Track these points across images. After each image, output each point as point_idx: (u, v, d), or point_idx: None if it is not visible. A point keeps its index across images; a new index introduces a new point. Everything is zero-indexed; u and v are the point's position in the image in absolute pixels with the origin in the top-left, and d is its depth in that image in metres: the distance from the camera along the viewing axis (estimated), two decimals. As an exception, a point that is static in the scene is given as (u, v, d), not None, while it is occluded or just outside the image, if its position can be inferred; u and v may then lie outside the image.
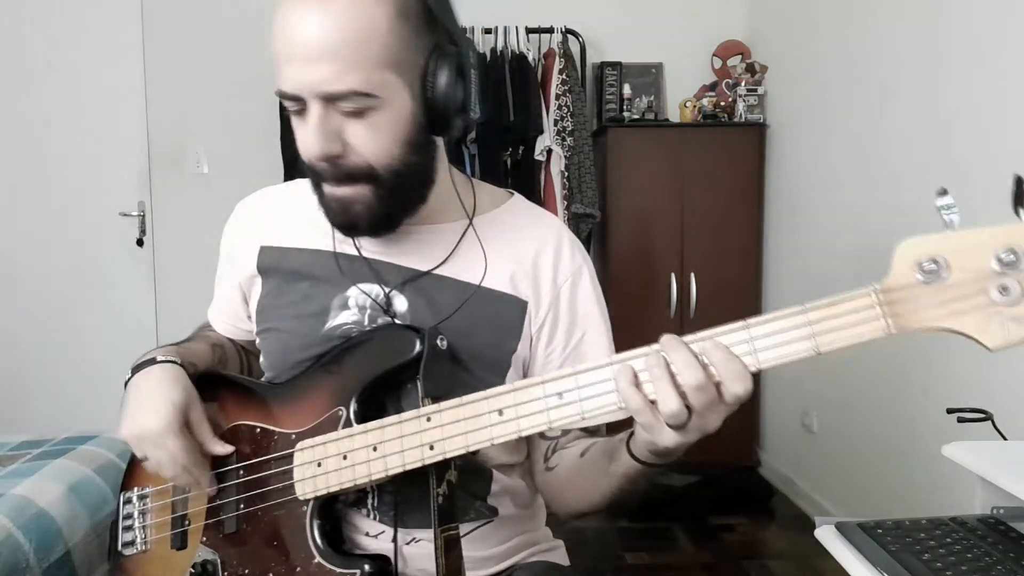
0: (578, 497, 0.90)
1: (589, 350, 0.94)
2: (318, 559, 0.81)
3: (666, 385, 0.65)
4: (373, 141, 0.79)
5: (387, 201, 0.83)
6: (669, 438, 0.68)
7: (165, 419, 0.83)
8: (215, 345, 1.01)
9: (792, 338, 0.64)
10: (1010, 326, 0.59)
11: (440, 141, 0.89)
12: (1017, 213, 0.58)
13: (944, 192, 0.61)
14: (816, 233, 2.78)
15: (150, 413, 0.84)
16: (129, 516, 0.95)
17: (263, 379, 0.98)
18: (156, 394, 0.85)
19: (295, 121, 0.82)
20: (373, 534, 0.87)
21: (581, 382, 0.70)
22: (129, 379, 0.89)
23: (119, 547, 0.95)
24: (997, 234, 0.59)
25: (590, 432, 0.93)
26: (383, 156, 0.80)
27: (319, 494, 0.81)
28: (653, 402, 0.67)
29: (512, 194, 1.00)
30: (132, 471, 0.98)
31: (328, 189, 0.82)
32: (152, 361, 0.89)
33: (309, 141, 0.79)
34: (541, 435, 0.92)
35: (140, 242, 3.30)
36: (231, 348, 1.05)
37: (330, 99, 0.77)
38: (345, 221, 0.84)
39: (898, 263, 0.61)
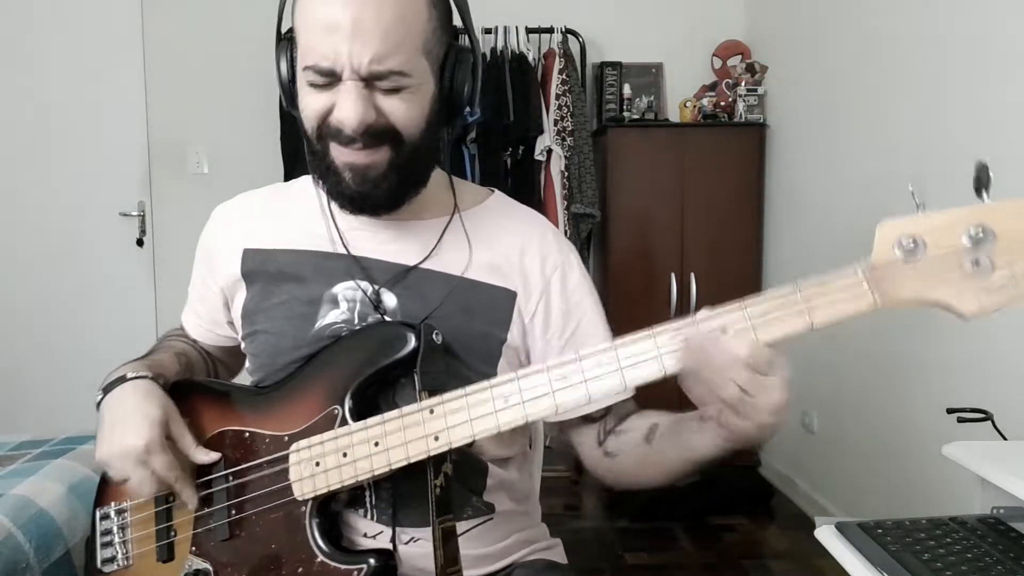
0: (644, 478, 0.91)
1: (588, 336, 0.94)
2: (320, 558, 0.81)
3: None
4: (406, 113, 0.82)
5: (401, 173, 0.84)
6: (756, 419, 0.69)
7: (146, 436, 0.82)
8: (179, 354, 1.00)
9: (787, 315, 0.68)
10: (983, 296, 0.64)
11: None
12: (979, 195, 0.64)
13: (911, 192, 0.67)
14: (816, 233, 2.78)
15: (129, 432, 0.83)
16: (108, 532, 0.93)
17: (250, 382, 0.97)
18: (133, 412, 0.84)
19: (314, 92, 0.81)
20: (371, 535, 0.87)
21: (585, 366, 0.72)
22: (101, 400, 0.87)
23: (98, 564, 0.93)
24: (965, 214, 0.64)
25: (629, 407, 0.93)
26: (411, 127, 0.83)
27: (319, 493, 0.81)
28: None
29: (493, 191, 1.02)
30: (105, 486, 0.96)
31: (346, 156, 0.82)
32: (122, 379, 0.87)
33: (347, 111, 0.79)
34: (585, 419, 0.93)
35: (140, 242, 3.30)
36: (196, 356, 1.04)
37: (371, 76, 0.78)
38: (358, 189, 0.84)
39: (879, 242, 0.66)
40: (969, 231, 0.63)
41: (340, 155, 0.83)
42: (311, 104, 0.82)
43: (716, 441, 0.75)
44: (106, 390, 0.88)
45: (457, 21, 0.89)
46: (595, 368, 0.72)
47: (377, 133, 0.81)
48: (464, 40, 0.89)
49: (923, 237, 0.65)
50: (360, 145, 0.81)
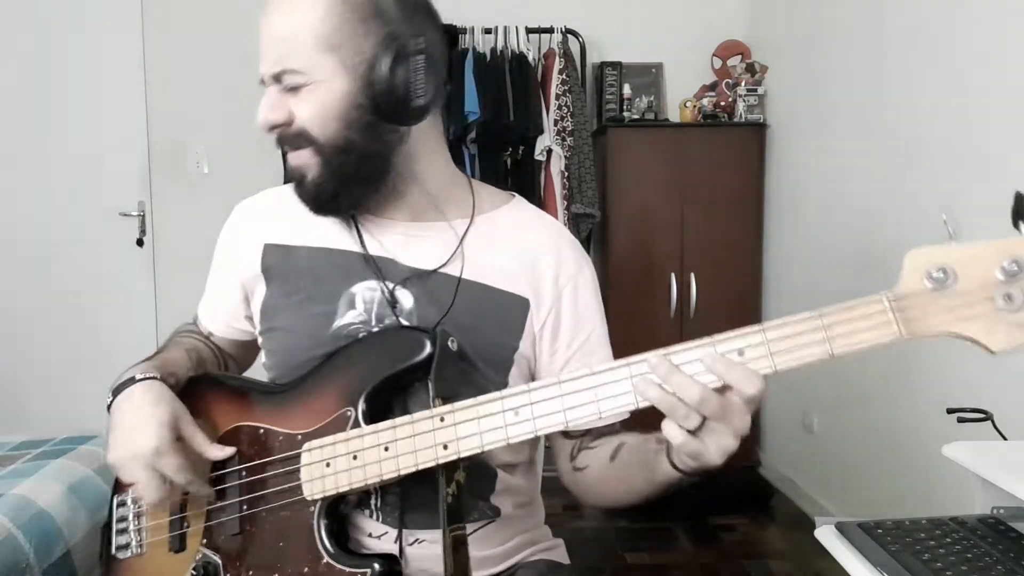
0: (610, 496, 0.92)
1: (596, 350, 0.94)
2: (327, 559, 0.81)
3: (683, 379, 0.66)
4: (307, 112, 0.85)
5: (335, 173, 0.87)
6: (715, 449, 0.69)
7: (156, 439, 0.82)
8: (189, 351, 1.00)
9: (807, 342, 0.66)
10: (1014, 331, 0.63)
11: (429, 136, 0.91)
12: (1017, 227, 0.62)
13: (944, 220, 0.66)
14: (816, 233, 2.78)
15: (139, 435, 0.83)
16: (123, 519, 0.94)
17: (267, 378, 0.97)
18: (142, 415, 0.84)
19: None
20: (376, 535, 0.88)
21: (598, 381, 0.71)
22: (111, 402, 0.87)
23: (113, 550, 0.94)
24: (1000, 246, 0.62)
25: (609, 428, 0.92)
26: (318, 126, 0.85)
27: (328, 494, 0.81)
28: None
29: (513, 196, 1.01)
30: None
31: (289, 157, 0.88)
32: (131, 380, 0.87)
33: (258, 112, 0.86)
34: (565, 434, 0.93)
35: (140, 242, 3.30)
36: (206, 351, 1.04)
37: (273, 78, 0.85)
38: (301, 191, 0.90)
39: (907, 272, 0.64)
40: (1003, 264, 0.62)
41: (289, 159, 0.89)
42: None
43: (681, 464, 0.74)
44: (115, 392, 0.88)
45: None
46: (608, 385, 0.70)
47: (286, 134, 0.86)
48: (430, 33, 0.86)
49: (954, 268, 0.63)
50: (288, 148, 0.87)
